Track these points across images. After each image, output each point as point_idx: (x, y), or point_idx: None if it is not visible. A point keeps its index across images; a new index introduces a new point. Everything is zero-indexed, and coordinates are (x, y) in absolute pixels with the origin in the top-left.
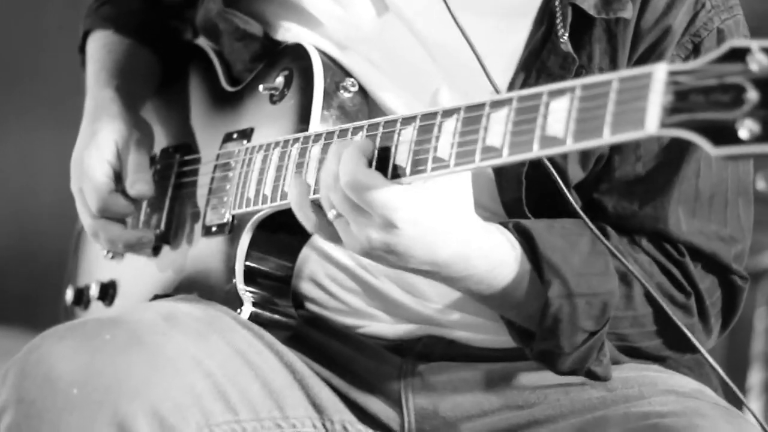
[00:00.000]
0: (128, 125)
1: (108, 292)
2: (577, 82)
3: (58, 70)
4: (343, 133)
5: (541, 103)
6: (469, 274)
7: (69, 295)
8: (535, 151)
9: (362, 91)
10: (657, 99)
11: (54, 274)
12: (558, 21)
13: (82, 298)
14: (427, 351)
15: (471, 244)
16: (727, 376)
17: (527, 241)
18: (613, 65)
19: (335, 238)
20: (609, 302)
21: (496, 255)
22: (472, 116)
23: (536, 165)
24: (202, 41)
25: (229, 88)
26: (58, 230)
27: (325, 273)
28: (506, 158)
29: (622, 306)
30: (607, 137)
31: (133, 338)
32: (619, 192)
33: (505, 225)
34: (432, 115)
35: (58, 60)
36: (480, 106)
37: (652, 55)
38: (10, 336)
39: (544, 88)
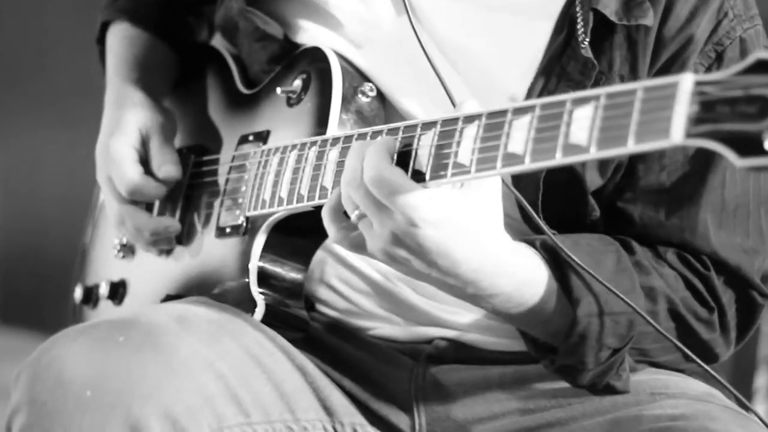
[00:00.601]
0: (152, 112)
1: (118, 291)
2: (602, 91)
3: (62, 69)
4: (361, 136)
5: (565, 111)
6: (495, 292)
7: (78, 293)
8: (558, 159)
9: (380, 96)
10: (683, 109)
11: (60, 274)
12: (579, 26)
13: (91, 296)
14: (439, 354)
15: (497, 261)
16: (734, 378)
17: (554, 260)
18: (633, 73)
19: (360, 247)
20: (634, 320)
21: (523, 274)
22: (494, 122)
23: (555, 170)
24: (218, 42)
25: (244, 91)
26: (63, 230)
27: (336, 275)
28: (528, 165)
29: (645, 323)
30: (632, 146)
31: (145, 340)
32: (644, 201)
33: (531, 243)
34: (453, 121)
35: (62, 60)
36: (502, 113)
37: (674, 63)
38: (16, 336)
39: (568, 96)
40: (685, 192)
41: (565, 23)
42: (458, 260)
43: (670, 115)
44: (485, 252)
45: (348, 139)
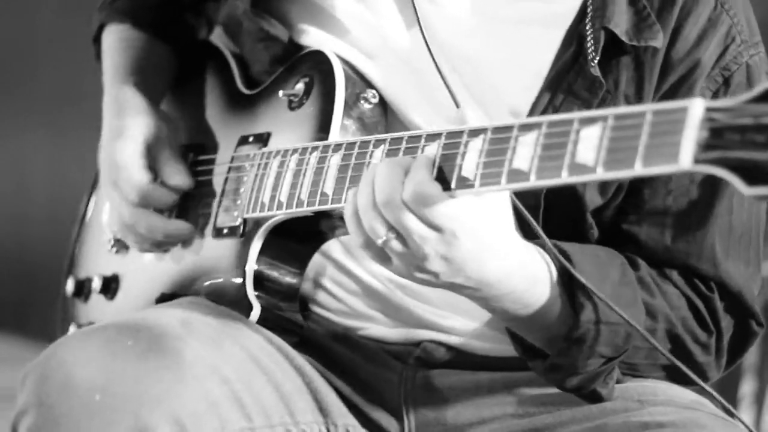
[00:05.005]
0: (154, 119)
1: (110, 286)
2: (610, 112)
3: (51, 74)
4: (364, 144)
5: (572, 130)
6: (509, 291)
7: (69, 286)
8: (564, 178)
9: (382, 103)
10: (692, 134)
11: (46, 278)
12: (589, 44)
13: (82, 290)
14: (427, 356)
15: (513, 260)
16: (719, 386)
17: (561, 264)
18: (639, 94)
19: (383, 257)
20: (632, 333)
21: (533, 272)
22: (500, 137)
23: (554, 188)
24: (218, 40)
25: (245, 91)
26: (50, 235)
27: (329, 276)
28: (534, 182)
29: (643, 338)
30: (639, 169)
31: (153, 345)
32: (649, 224)
33: (541, 246)
34: (458, 134)
35: (51, 64)
36: (508, 129)
37: (681, 87)
38: (1, 341)
39: (576, 115)
40: (692, 217)
41: (574, 39)
42: (483, 266)
43: (679, 140)
44: (504, 253)
45: (351, 146)
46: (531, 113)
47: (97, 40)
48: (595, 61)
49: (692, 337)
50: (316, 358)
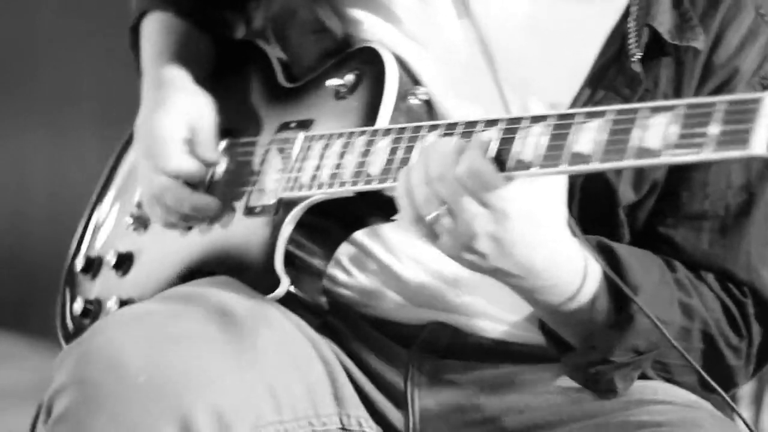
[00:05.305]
0: (197, 95)
1: (124, 262)
2: (681, 101)
3: (51, 74)
4: (416, 130)
5: (640, 117)
6: (553, 283)
7: (80, 261)
8: (628, 161)
9: (429, 102)
10: (765, 122)
11: (46, 277)
12: (632, 41)
13: (92, 266)
14: (432, 339)
15: (562, 251)
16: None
17: (608, 258)
18: (678, 94)
19: (432, 234)
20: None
21: (579, 266)
22: (562, 123)
23: (592, 178)
24: (259, 39)
25: (287, 84)
26: (50, 234)
27: (345, 252)
28: (595, 165)
29: (678, 338)
30: (707, 153)
31: (198, 333)
32: (686, 227)
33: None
34: (517, 120)
35: (51, 65)
36: (572, 116)
37: (721, 92)
38: (1, 339)
39: (645, 105)
40: (728, 222)
41: (618, 37)
42: (532, 252)
43: (752, 127)
44: (556, 240)
45: (401, 131)
46: (571, 108)
47: (134, 29)
48: (636, 57)
49: (725, 340)
50: (335, 341)
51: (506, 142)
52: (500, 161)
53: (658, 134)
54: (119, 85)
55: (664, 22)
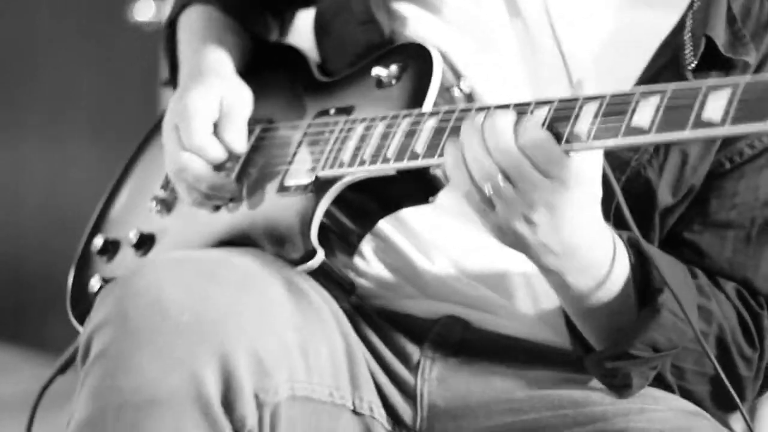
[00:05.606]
0: (235, 82)
1: (145, 242)
2: (741, 79)
3: (47, 82)
4: (464, 111)
5: (700, 93)
6: (588, 264)
7: (98, 241)
8: (688, 133)
9: (471, 96)
10: None
11: (42, 287)
12: (688, 50)
13: (108, 248)
14: (444, 333)
15: (597, 233)
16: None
17: (637, 254)
18: None
19: (485, 207)
20: (687, 332)
21: (609, 251)
22: (618, 101)
23: (633, 179)
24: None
25: (324, 78)
26: (46, 243)
27: (366, 240)
28: (653, 137)
29: (695, 341)
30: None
31: (244, 279)
32: (712, 234)
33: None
34: (572, 100)
35: (49, 70)
36: (628, 94)
37: None
38: None
39: (704, 82)
40: (753, 233)
41: (670, 46)
42: (580, 227)
43: None
44: (593, 221)
45: (449, 113)
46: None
47: (171, 24)
48: (692, 65)
49: (738, 349)
50: (356, 329)
51: (560, 119)
52: (557, 134)
53: (718, 108)
54: (115, 93)
55: (720, 34)
